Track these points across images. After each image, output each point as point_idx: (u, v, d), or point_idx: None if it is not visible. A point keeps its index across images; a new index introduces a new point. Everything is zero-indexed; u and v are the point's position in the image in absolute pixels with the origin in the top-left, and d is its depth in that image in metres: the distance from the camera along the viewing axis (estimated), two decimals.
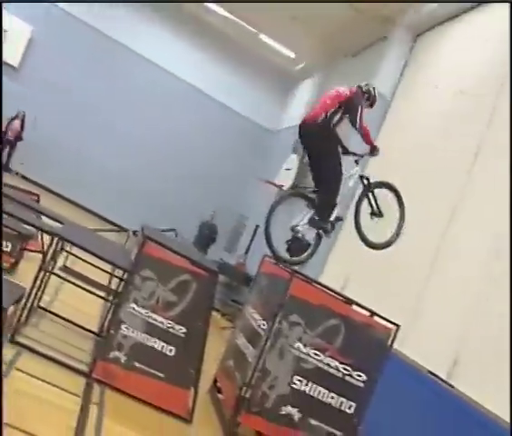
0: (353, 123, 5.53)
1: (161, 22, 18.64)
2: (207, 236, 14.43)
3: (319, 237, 5.85)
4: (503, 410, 5.04)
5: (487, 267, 6.15)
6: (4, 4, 13.11)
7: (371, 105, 5.79)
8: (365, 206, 5.82)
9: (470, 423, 5.34)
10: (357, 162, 5.81)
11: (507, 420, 4.95)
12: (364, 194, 5.83)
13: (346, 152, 5.69)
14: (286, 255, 5.80)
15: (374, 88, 5.82)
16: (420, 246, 7.51)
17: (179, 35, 18.99)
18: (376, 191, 5.85)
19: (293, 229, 5.78)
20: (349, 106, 5.57)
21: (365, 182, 5.82)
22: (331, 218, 5.70)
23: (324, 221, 5.66)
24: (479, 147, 7.24)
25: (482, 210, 6.69)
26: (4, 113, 13.22)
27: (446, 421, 5.66)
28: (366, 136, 5.62)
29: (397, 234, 5.83)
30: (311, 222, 5.71)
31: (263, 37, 17.83)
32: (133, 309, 4.93)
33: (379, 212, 5.80)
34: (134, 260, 5.05)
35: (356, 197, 5.91)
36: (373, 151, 5.73)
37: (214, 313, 11.77)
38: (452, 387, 5.85)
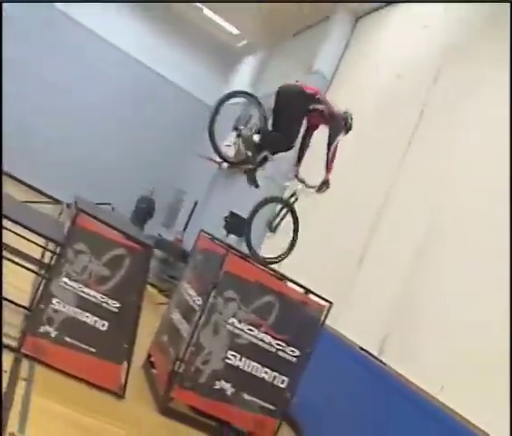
0: (332, 141, 5.42)
1: None
2: (144, 211, 14.22)
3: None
4: (432, 385, 5.25)
5: (420, 245, 6.33)
6: None
7: (346, 132, 5.62)
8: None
9: (401, 399, 5.55)
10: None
11: (436, 395, 5.16)
12: (285, 207, 5.77)
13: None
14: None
15: (352, 118, 5.66)
16: (356, 226, 7.66)
17: (121, 7, 18.45)
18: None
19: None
20: (333, 124, 5.47)
21: (293, 199, 5.73)
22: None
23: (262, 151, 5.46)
24: (415, 129, 7.42)
25: (415, 192, 6.88)
26: None
27: (377, 395, 5.87)
28: (331, 163, 5.44)
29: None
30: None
31: (207, 12, 17.62)
32: (65, 283, 4.81)
33: (275, 228, 5.76)
34: (67, 233, 4.92)
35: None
36: (325, 183, 5.49)
37: (151, 289, 11.69)
38: (384, 364, 6.04)
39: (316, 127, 5.62)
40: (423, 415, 5.18)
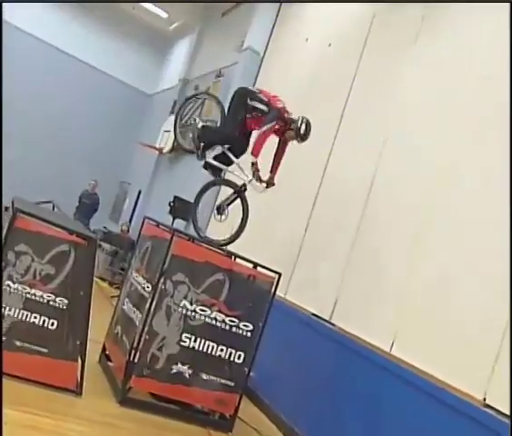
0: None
1: None
2: (88, 206, 13.93)
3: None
4: (381, 340, 5.40)
5: (365, 202, 6.45)
6: None
7: (297, 137, 5.67)
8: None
9: (351, 354, 5.70)
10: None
11: (386, 349, 5.31)
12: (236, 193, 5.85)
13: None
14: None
15: (305, 123, 5.67)
16: (301, 193, 7.74)
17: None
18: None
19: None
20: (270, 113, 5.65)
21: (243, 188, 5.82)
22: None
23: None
24: (348, 95, 7.53)
25: (354, 157, 6.99)
26: None
27: (328, 354, 6.02)
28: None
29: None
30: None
31: None
32: (9, 286, 4.68)
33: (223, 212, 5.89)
34: (6, 235, 4.76)
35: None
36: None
37: (102, 283, 11.58)
38: (333, 325, 6.17)
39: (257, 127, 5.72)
40: (373, 367, 5.34)
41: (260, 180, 5.71)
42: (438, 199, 5.42)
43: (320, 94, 8.36)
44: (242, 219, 5.76)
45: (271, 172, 5.85)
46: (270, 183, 5.79)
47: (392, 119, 6.48)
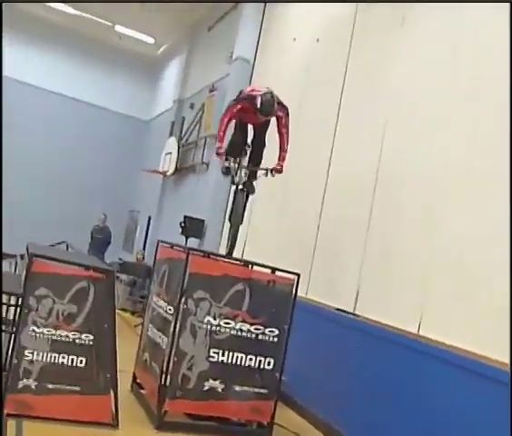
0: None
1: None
2: (101, 241, 14.03)
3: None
4: (407, 323, 5.39)
5: (373, 187, 6.44)
6: None
7: (256, 112, 5.65)
8: None
9: (378, 342, 5.70)
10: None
11: (413, 330, 5.29)
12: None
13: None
14: None
15: (260, 95, 5.61)
16: (309, 191, 7.74)
17: (30, 45, 18.03)
18: None
19: None
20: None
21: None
22: None
23: None
24: (343, 85, 7.55)
25: (357, 144, 6.99)
26: None
27: (356, 346, 6.02)
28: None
29: None
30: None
31: (120, 28, 17.43)
32: (34, 331, 4.71)
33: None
34: (24, 281, 4.80)
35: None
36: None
37: (125, 314, 11.61)
38: (358, 316, 6.15)
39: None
40: (402, 350, 5.32)
41: (226, 168, 5.99)
42: (452, 171, 5.35)
43: (314, 89, 8.39)
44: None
45: (278, 158, 5.92)
46: (276, 170, 5.88)
47: (391, 99, 6.47)
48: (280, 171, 5.82)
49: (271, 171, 5.91)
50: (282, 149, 5.86)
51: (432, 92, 5.84)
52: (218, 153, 5.91)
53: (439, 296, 5.16)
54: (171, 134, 15.37)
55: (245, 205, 6.16)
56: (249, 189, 6.17)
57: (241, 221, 6.12)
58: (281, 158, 5.87)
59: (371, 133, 6.66)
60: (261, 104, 5.55)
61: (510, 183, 4.61)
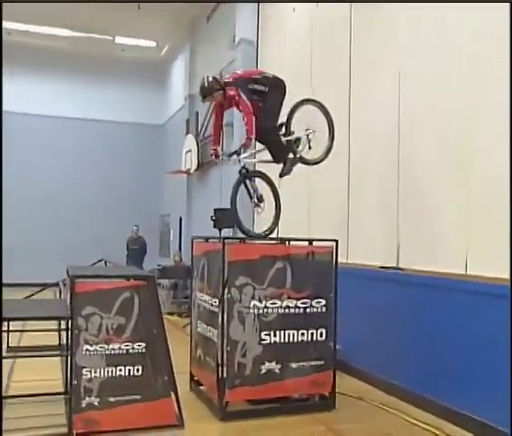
0: None
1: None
2: (137, 251, 14.20)
3: None
4: (454, 266, 5.33)
5: (397, 139, 6.36)
6: None
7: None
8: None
9: (426, 292, 5.67)
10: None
11: (461, 271, 5.23)
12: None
13: None
14: None
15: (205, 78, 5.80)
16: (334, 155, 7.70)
17: (42, 76, 18.33)
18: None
19: None
20: None
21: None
22: None
23: None
24: (351, 43, 7.48)
25: (374, 101, 6.91)
26: None
27: (403, 300, 6.03)
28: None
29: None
30: None
31: (120, 40, 17.51)
32: (87, 350, 4.80)
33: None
34: (70, 304, 4.90)
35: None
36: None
37: (172, 318, 11.74)
38: (402, 270, 6.12)
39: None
40: (453, 293, 5.28)
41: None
42: (480, 100, 5.21)
43: (322, 53, 8.31)
44: (275, 198, 5.95)
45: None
46: (242, 145, 5.73)
47: (404, 46, 6.37)
48: (245, 145, 5.70)
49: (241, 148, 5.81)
50: (245, 124, 5.71)
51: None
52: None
53: (483, 234, 5.08)
54: (187, 132, 15.44)
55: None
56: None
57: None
58: (246, 132, 5.68)
59: (387, 87, 6.58)
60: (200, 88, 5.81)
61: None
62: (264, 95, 5.74)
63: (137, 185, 19.09)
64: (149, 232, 16.00)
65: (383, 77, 6.72)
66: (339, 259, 5.67)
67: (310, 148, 5.95)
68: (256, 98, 5.70)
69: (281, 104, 5.86)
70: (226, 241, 5.47)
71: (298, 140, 5.96)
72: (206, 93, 5.72)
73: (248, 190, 5.91)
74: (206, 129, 14.03)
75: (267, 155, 6.03)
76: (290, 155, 5.93)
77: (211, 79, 5.70)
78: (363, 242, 6.99)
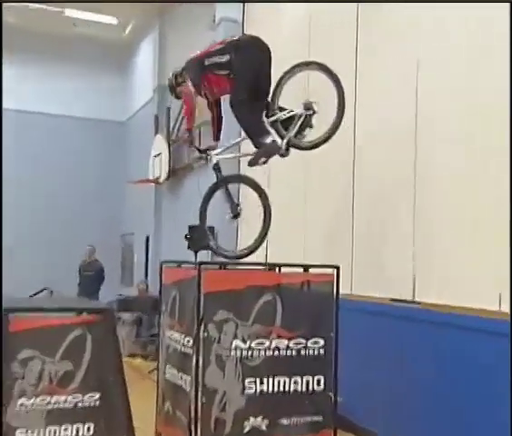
0: None
1: None
2: (92, 278, 14.07)
3: None
4: (484, 300, 5.33)
5: (414, 145, 6.38)
6: None
7: None
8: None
9: (448, 330, 5.69)
10: None
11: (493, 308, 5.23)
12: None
13: None
14: None
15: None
16: (334, 170, 7.71)
17: None
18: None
19: None
20: None
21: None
22: None
23: None
24: (357, 28, 7.58)
25: (385, 102, 6.93)
26: None
27: (422, 341, 6.02)
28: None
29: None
30: None
31: (71, 12, 17.11)
32: (23, 405, 4.69)
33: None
34: (2, 346, 4.80)
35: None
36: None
37: (134, 361, 11.65)
38: (419, 304, 6.11)
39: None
40: (483, 335, 5.27)
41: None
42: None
43: (322, 37, 8.39)
44: (265, 217, 5.84)
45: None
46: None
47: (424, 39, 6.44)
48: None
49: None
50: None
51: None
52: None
53: None
54: (156, 132, 15.45)
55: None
56: None
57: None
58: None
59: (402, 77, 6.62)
60: None
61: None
62: (229, 64, 5.65)
63: (93, 197, 18.97)
64: (107, 255, 15.88)
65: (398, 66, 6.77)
66: (340, 290, 5.63)
67: (311, 127, 5.61)
68: (223, 73, 5.69)
69: (255, 69, 5.63)
70: (203, 266, 5.42)
71: (291, 118, 5.64)
72: (170, 89, 6.08)
73: (228, 198, 5.93)
74: (179, 128, 14.03)
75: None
76: (269, 139, 5.61)
77: (170, 75, 6.04)
78: (371, 269, 6.99)
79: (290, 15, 9.45)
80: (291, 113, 5.63)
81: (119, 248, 19.08)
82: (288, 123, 5.63)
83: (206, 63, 5.76)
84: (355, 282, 7.07)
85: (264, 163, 5.72)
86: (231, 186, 6.01)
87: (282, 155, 5.64)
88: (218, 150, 5.90)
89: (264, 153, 5.63)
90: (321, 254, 6.76)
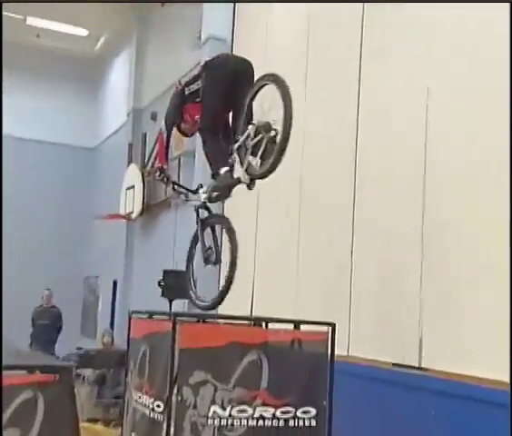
0: None
1: None
2: (47, 327, 14.00)
3: None
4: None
5: (422, 191, 6.48)
6: None
7: None
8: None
9: (459, 403, 5.68)
10: None
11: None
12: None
13: None
14: None
15: None
16: (332, 214, 7.78)
17: None
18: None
19: None
20: None
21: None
22: None
23: None
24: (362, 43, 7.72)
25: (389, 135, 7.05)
26: None
27: (424, 410, 6.00)
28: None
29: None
30: None
31: (33, 21, 17.20)
32: None
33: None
34: None
35: None
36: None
37: (95, 427, 11.55)
38: (426, 370, 6.13)
39: None
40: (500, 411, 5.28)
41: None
42: None
43: (321, 53, 8.60)
44: (231, 262, 5.74)
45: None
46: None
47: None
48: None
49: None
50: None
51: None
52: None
53: None
54: (130, 161, 15.48)
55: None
56: None
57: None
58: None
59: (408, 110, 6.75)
60: None
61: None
62: (201, 90, 5.79)
63: (53, 233, 18.91)
64: (67, 301, 15.84)
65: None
66: (336, 351, 5.65)
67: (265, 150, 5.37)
68: (198, 100, 5.82)
69: (221, 92, 5.64)
70: (178, 318, 5.44)
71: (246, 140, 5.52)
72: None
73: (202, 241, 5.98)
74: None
75: None
76: (223, 170, 5.58)
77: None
78: (371, 328, 7.02)
79: (282, 33, 9.59)
80: (255, 138, 5.45)
81: (81, 293, 18.98)
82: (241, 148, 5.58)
83: (186, 93, 5.92)
84: (352, 342, 7.08)
85: (225, 197, 5.87)
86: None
87: (248, 187, 5.58)
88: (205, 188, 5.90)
89: (218, 184, 5.71)
90: (315, 309, 6.78)
